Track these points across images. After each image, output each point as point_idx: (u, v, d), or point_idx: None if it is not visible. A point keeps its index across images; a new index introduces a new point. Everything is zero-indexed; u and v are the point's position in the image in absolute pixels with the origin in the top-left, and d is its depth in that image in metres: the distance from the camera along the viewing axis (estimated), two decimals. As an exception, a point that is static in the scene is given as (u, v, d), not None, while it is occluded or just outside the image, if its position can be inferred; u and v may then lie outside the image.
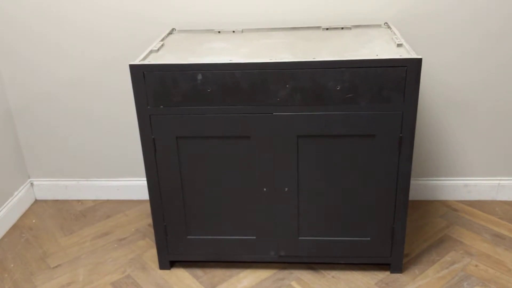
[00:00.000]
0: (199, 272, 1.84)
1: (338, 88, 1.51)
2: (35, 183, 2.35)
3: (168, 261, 1.85)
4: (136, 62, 1.54)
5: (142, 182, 2.27)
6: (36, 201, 2.37)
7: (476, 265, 1.82)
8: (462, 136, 2.12)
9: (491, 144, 2.13)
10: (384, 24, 1.90)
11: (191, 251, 1.81)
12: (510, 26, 1.92)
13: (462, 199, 2.23)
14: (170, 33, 1.92)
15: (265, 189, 1.68)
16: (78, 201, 2.35)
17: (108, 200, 2.35)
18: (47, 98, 2.16)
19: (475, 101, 2.05)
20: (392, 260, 1.77)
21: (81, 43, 2.04)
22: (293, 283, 1.77)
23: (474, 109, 2.07)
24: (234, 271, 1.83)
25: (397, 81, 1.49)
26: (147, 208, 2.23)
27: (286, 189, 1.67)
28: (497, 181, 2.19)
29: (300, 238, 1.75)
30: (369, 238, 1.73)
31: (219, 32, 1.92)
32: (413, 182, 2.20)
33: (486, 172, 2.19)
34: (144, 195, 2.28)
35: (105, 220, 2.20)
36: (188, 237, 1.78)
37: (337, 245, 1.76)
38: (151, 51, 1.66)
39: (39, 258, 1.96)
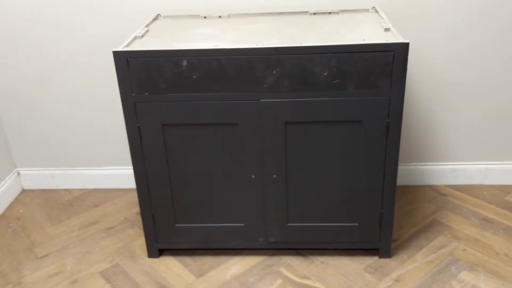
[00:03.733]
0: (188, 260, 1.83)
1: (325, 74, 1.49)
2: (21, 172, 2.33)
3: (156, 250, 1.84)
4: (120, 48, 1.51)
5: (130, 170, 2.25)
6: (23, 190, 2.35)
7: (464, 249, 1.83)
8: (450, 121, 2.12)
9: (479, 129, 2.13)
10: (372, 8, 1.88)
11: (180, 239, 1.80)
12: (499, 10, 1.91)
13: (451, 183, 2.23)
14: (155, 19, 1.89)
15: (253, 176, 1.67)
16: (66, 190, 2.33)
17: (96, 189, 2.33)
18: (32, 87, 2.13)
19: (463, 85, 2.05)
20: (380, 245, 1.77)
21: (66, 30, 2.01)
22: (282, 269, 1.77)
23: (462, 93, 2.06)
24: (223, 258, 1.83)
25: (384, 66, 1.47)
26: (136, 196, 2.21)
27: (274, 175, 1.66)
28: (485, 166, 2.20)
29: (288, 224, 1.75)
30: (357, 224, 1.73)
31: (205, 17, 1.89)
32: (401, 167, 2.20)
33: (474, 157, 2.19)
34: (133, 183, 2.26)
35: (93, 209, 2.18)
36: (177, 225, 1.77)
37: (326, 231, 1.76)
38: (135, 37, 1.63)
39: (26, 248, 1.95)
